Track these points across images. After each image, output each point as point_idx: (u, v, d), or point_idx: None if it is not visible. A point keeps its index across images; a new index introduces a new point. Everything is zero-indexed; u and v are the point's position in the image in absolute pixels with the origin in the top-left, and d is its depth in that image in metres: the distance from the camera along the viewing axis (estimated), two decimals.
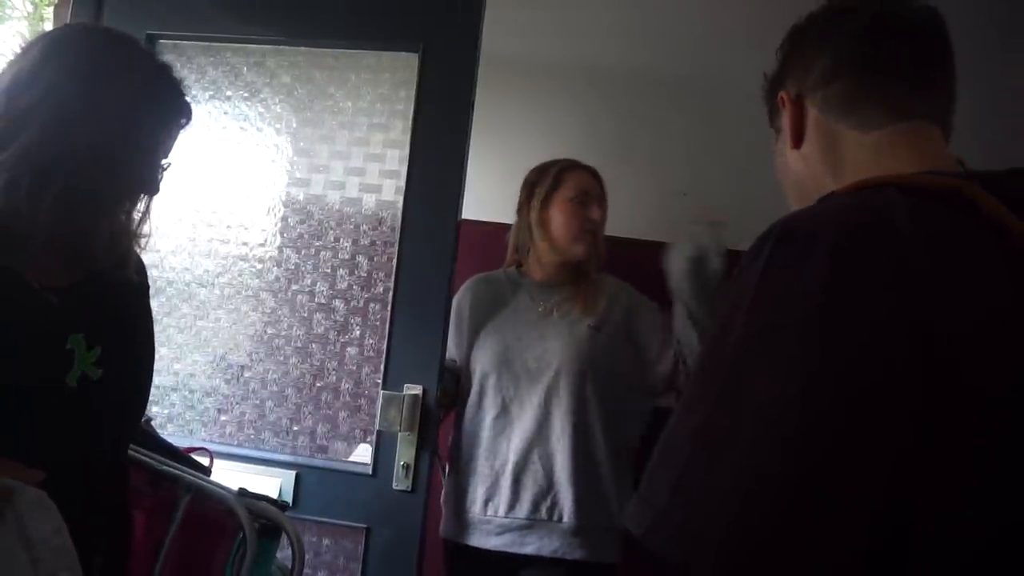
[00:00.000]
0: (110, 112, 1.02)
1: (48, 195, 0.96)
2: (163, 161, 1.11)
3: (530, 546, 1.75)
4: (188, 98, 1.14)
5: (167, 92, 1.10)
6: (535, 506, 1.76)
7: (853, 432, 0.54)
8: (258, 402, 1.82)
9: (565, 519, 1.74)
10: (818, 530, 0.53)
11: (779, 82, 0.83)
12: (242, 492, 1.32)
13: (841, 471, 0.54)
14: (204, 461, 1.43)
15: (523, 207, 1.92)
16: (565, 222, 1.85)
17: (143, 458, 1.28)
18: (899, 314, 0.56)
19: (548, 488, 1.76)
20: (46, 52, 1.01)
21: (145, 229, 1.14)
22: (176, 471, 1.31)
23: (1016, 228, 0.60)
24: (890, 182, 0.66)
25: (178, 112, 1.12)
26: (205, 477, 1.35)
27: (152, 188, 1.11)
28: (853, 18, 0.78)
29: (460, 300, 1.93)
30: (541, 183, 1.89)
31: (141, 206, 1.13)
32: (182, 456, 1.38)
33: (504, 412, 1.82)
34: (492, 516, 1.79)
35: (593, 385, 1.77)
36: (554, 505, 1.75)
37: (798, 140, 0.81)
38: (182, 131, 1.14)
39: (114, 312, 1.11)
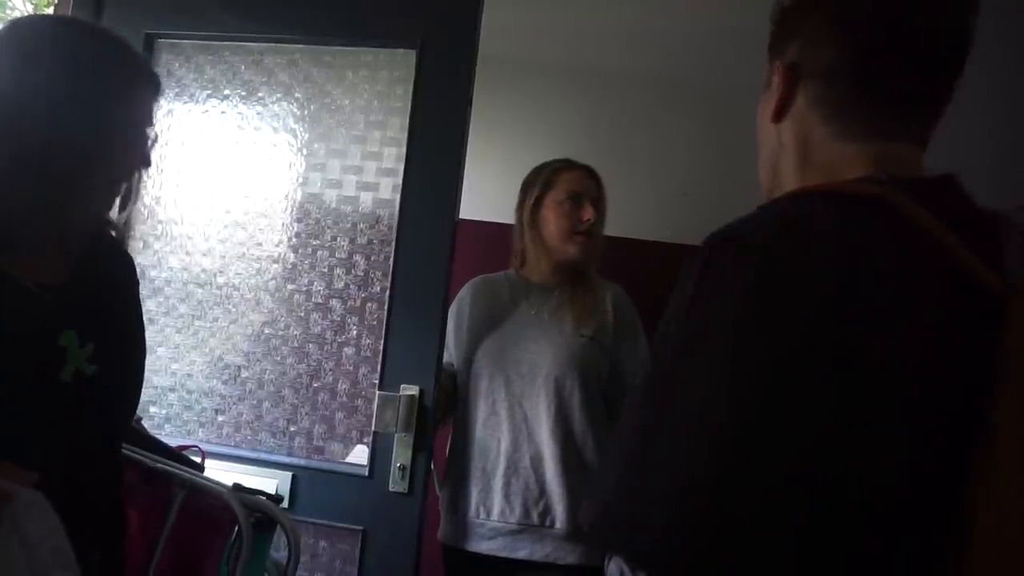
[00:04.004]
0: (69, 95, 0.99)
1: (15, 188, 0.95)
2: (147, 132, 1.09)
3: (523, 551, 1.74)
4: (154, 69, 1.11)
5: (125, 62, 1.06)
6: (527, 511, 1.75)
7: (776, 427, 0.58)
8: (255, 402, 1.81)
9: (558, 524, 1.73)
10: (747, 518, 0.57)
11: (784, 37, 0.78)
12: (237, 487, 1.32)
13: (764, 462, 0.58)
14: (196, 459, 1.43)
15: (518, 209, 1.91)
16: (556, 222, 1.84)
17: (136, 456, 1.28)
18: (815, 316, 0.60)
19: (540, 493, 1.75)
20: (13, 50, 0.99)
21: (147, 221, 1.13)
22: (170, 468, 1.30)
23: (930, 231, 0.63)
24: (821, 190, 0.69)
25: (143, 82, 1.08)
26: (199, 473, 1.34)
27: (141, 162, 1.08)
28: (872, 18, 0.72)
29: (460, 301, 1.93)
30: (534, 184, 1.88)
31: (134, 184, 1.12)
32: (175, 453, 1.37)
33: (494, 414, 1.81)
34: (485, 520, 1.78)
35: (582, 391, 1.76)
36: (546, 511, 1.74)
37: (779, 116, 0.79)
38: (154, 100, 1.10)
39: (106, 308, 1.10)
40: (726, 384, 0.60)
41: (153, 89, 1.10)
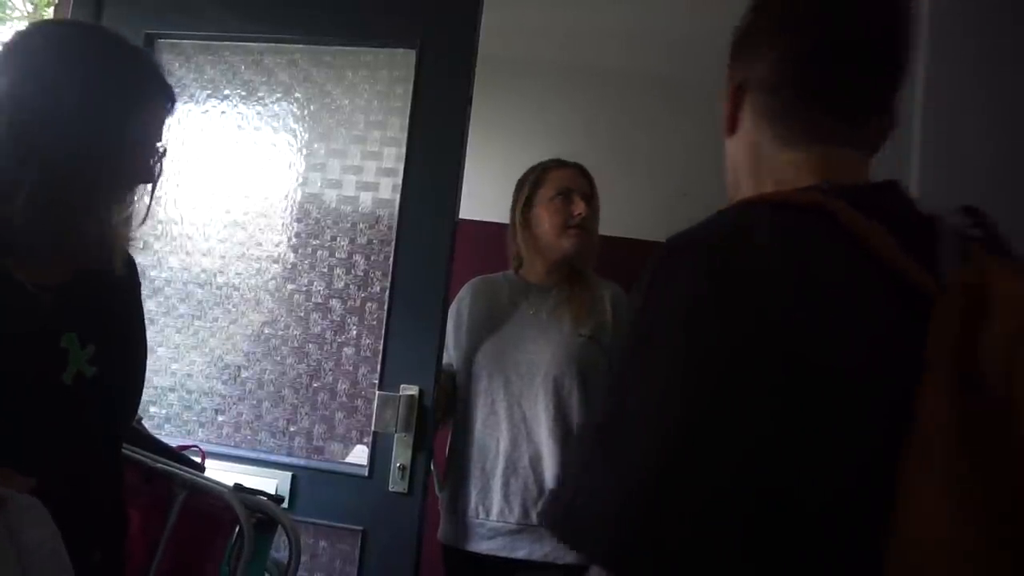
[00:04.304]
0: (82, 102, 0.98)
1: (22, 193, 0.94)
2: (157, 146, 1.09)
3: (522, 550, 1.74)
4: (169, 80, 1.10)
5: (142, 75, 1.06)
6: (525, 511, 1.75)
7: (720, 429, 0.60)
8: (255, 403, 1.81)
9: None
10: (692, 518, 0.59)
11: (735, 56, 0.82)
12: (238, 487, 1.32)
13: (709, 463, 0.60)
14: (196, 459, 1.43)
15: (512, 210, 1.93)
16: (549, 220, 1.85)
17: (137, 456, 1.28)
18: (753, 319, 0.62)
19: (539, 493, 1.75)
20: (9, 51, 0.99)
21: (147, 222, 1.12)
22: (171, 468, 1.30)
23: (867, 236, 0.65)
24: (766, 199, 0.72)
25: (158, 94, 1.08)
26: (200, 473, 1.34)
27: (146, 176, 1.09)
28: (807, 28, 0.76)
29: (460, 302, 1.93)
30: (525, 184, 1.90)
31: (146, 198, 1.12)
32: (176, 453, 1.37)
33: (493, 414, 1.81)
34: (484, 520, 1.78)
35: (581, 390, 1.76)
36: None
37: (731, 129, 0.83)
38: (168, 114, 1.10)
39: (106, 310, 1.10)
40: (666, 387, 0.63)
41: (165, 99, 1.09)
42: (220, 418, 1.83)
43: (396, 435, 1.66)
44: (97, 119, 1.00)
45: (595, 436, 0.66)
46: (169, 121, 1.12)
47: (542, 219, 1.86)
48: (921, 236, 0.67)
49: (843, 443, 0.61)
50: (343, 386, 1.77)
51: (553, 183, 1.86)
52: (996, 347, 0.58)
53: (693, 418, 0.61)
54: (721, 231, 0.69)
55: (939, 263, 0.65)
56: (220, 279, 1.86)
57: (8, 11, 2.65)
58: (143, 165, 1.07)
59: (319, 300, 1.80)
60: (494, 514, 1.77)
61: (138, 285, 1.20)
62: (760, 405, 0.61)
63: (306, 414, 1.79)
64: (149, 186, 1.11)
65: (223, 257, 1.86)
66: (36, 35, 1.04)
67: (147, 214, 1.12)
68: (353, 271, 1.79)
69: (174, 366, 1.86)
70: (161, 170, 1.10)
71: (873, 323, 0.64)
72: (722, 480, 0.59)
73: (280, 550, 1.41)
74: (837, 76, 0.74)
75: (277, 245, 1.84)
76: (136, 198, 1.11)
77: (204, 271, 1.87)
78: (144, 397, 1.21)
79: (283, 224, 1.85)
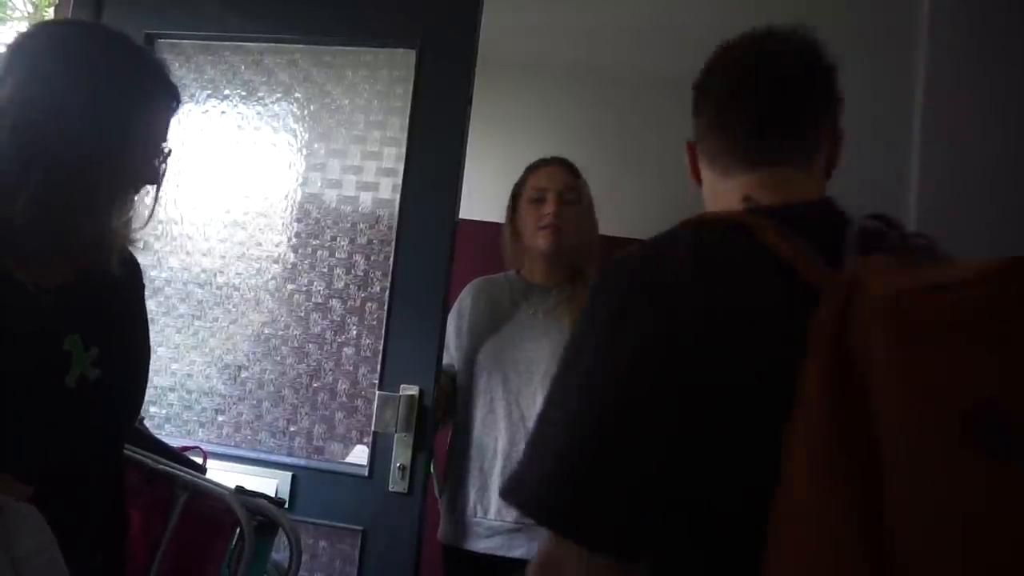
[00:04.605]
0: (85, 103, 0.98)
1: (24, 193, 0.94)
2: (161, 146, 1.08)
3: (519, 549, 1.75)
4: (173, 79, 1.09)
5: (145, 74, 1.05)
6: None
7: (625, 405, 0.73)
8: (255, 402, 1.81)
9: None
10: (602, 474, 0.72)
11: (692, 114, 0.98)
12: (239, 490, 1.32)
13: (617, 435, 0.72)
14: (197, 460, 1.43)
15: (505, 214, 1.95)
16: (525, 221, 1.88)
17: (139, 457, 1.28)
18: (664, 320, 0.74)
19: None
20: (13, 52, 0.99)
21: (149, 223, 1.12)
22: (172, 469, 1.30)
23: (772, 243, 0.75)
24: (695, 218, 0.83)
25: (162, 94, 1.07)
26: (201, 475, 1.34)
27: (150, 177, 1.08)
28: (721, 81, 0.94)
29: (461, 302, 1.93)
30: (514, 190, 1.92)
31: (148, 199, 1.11)
32: (177, 455, 1.37)
33: (492, 413, 1.81)
34: (482, 519, 1.79)
35: None
36: None
37: (696, 176, 0.98)
38: (172, 114, 1.09)
39: (109, 312, 1.10)
40: (586, 379, 0.76)
41: (169, 99, 1.08)
42: (220, 418, 1.83)
43: (396, 435, 1.66)
44: (99, 119, 0.99)
45: (538, 419, 0.80)
46: (173, 121, 1.12)
47: (525, 222, 1.89)
48: (833, 241, 0.77)
49: (738, 417, 0.70)
50: (343, 386, 1.78)
51: (530, 186, 1.89)
52: (856, 334, 0.66)
53: (606, 400, 0.74)
54: (649, 250, 0.81)
55: (841, 263, 0.75)
56: (220, 279, 1.86)
57: (8, 11, 2.65)
58: (146, 165, 1.06)
59: (319, 300, 1.80)
60: (492, 513, 1.77)
61: (142, 287, 1.20)
62: (662, 389, 0.72)
63: (306, 414, 1.79)
64: (153, 187, 1.11)
65: (223, 257, 1.86)
66: (40, 35, 1.04)
67: (151, 215, 1.12)
68: (353, 271, 1.79)
69: (174, 366, 1.86)
70: (165, 171, 1.10)
71: (769, 317, 0.73)
72: (629, 449, 0.72)
73: (280, 551, 1.42)
74: (748, 112, 0.90)
75: (277, 245, 1.84)
76: (139, 199, 1.10)
77: (204, 271, 1.87)
78: (145, 395, 1.21)
79: (283, 224, 1.85)
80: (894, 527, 0.61)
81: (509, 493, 0.79)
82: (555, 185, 1.86)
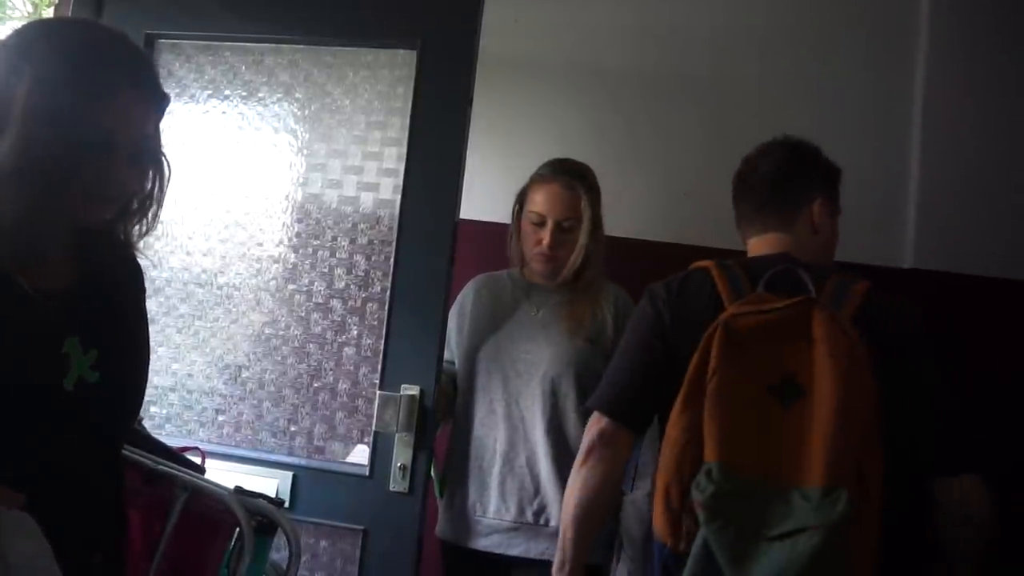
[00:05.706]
0: (75, 101, 0.95)
1: (22, 195, 0.94)
2: (151, 146, 1.07)
3: (518, 547, 1.75)
4: (158, 72, 1.06)
5: (109, 65, 1.00)
6: (521, 509, 1.75)
7: (641, 362, 1.40)
8: (256, 402, 1.81)
9: (552, 523, 1.72)
10: (636, 390, 1.42)
11: None
12: (238, 490, 1.32)
13: (640, 375, 1.41)
14: (196, 460, 1.43)
15: (511, 214, 1.92)
16: (526, 235, 1.85)
17: (138, 457, 1.28)
18: (660, 322, 1.38)
19: (535, 492, 1.75)
20: (4, 52, 0.98)
21: (152, 227, 1.11)
22: (171, 470, 1.30)
23: (717, 285, 1.34)
24: (693, 265, 1.42)
25: (130, 86, 1.01)
26: (200, 476, 1.34)
27: (136, 180, 1.06)
28: (738, 177, 1.51)
29: (463, 298, 1.93)
30: (520, 193, 1.88)
31: (150, 203, 1.10)
32: (176, 455, 1.37)
33: (491, 412, 1.81)
34: (481, 517, 1.79)
35: (577, 393, 1.75)
36: (541, 509, 1.75)
37: None
38: (147, 105, 1.03)
39: (109, 314, 1.09)
40: (624, 347, 1.44)
41: (156, 103, 1.05)
42: (221, 418, 1.83)
43: (397, 435, 1.66)
44: (82, 117, 0.95)
45: (608, 366, 1.45)
46: (164, 122, 1.10)
47: (525, 237, 1.85)
48: (779, 281, 1.31)
49: (680, 367, 1.27)
50: (344, 386, 1.78)
51: (533, 203, 1.83)
52: (715, 335, 1.24)
53: (633, 356, 1.41)
54: (668, 282, 1.41)
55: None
56: (221, 279, 1.86)
57: (8, 11, 2.65)
58: (127, 167, 1.02)
59: (320, 300, 1.80)
60: (491, 512, 1.78)
61: (143, 289, 1.19)
62: (657, 351, 1.37)
63: (307, 414, 1.79)
64: (155, 191, 1.10)
65: (224, 257, 1.87)
66: (22, 34, 1.01)
67: (155, 220, 1.11)
68: (354, 271, 1.79)
69: (174, 366, 1.86)
70: (159, 175, 1.09)
71: (700, 319, 1.29)
72: (644, 380, 1.38)
73: (280, 551, 1.42)
74: (746, 202, 1.48)
75: (278, 245, 1.84)
76: (140, 201, 1.10)
77: (205, 271, 1.87)
78: (144, 397, 1.21)
79: (284, 224, 1.85)
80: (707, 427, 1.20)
81: (593, 401, 1.41)
82: (553, 214, 1.80)
